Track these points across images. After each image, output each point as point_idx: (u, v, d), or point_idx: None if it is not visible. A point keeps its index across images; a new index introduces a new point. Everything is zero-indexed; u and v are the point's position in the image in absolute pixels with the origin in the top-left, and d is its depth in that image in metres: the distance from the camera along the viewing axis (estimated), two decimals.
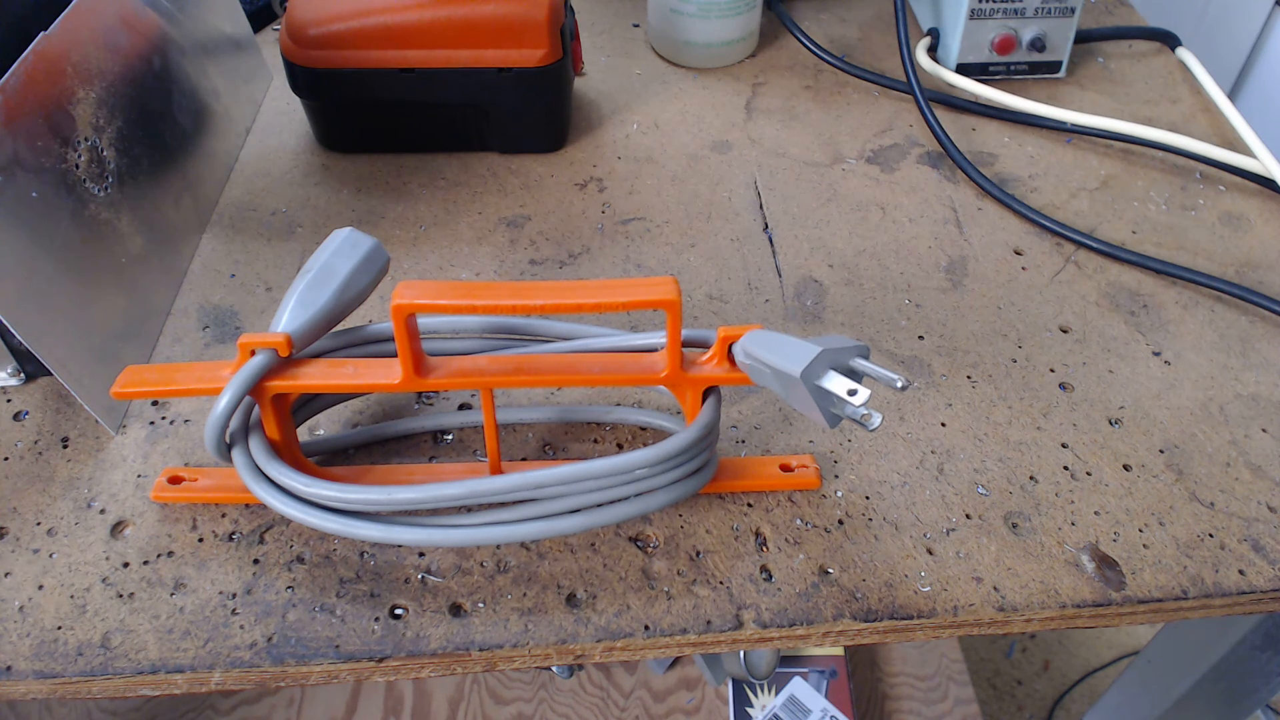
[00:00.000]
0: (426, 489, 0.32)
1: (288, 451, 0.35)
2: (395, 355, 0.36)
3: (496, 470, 0.37)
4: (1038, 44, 0.62)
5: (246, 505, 0.38)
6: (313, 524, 0.33)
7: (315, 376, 0.33)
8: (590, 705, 0.91)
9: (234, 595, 0.35)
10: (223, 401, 0.32)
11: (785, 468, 0.39)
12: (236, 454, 0.34)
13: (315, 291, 0.34)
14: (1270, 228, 0.53)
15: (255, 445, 0.34)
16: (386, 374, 0.33)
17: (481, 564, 0.36)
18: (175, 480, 0.37)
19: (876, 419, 0.30)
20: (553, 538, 0.35)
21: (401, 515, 0.35)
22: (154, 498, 0.37)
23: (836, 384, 0.30)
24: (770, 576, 0.36)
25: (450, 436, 0.41)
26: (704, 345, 0.36)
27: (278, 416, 0.34)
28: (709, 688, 0.92)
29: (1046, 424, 0.42)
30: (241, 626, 0.34)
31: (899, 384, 0.29)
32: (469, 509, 0.36)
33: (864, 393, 0.30)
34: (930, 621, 0.35)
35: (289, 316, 0.33)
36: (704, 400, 0.35)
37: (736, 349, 0.33)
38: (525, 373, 0.34)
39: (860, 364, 0.31)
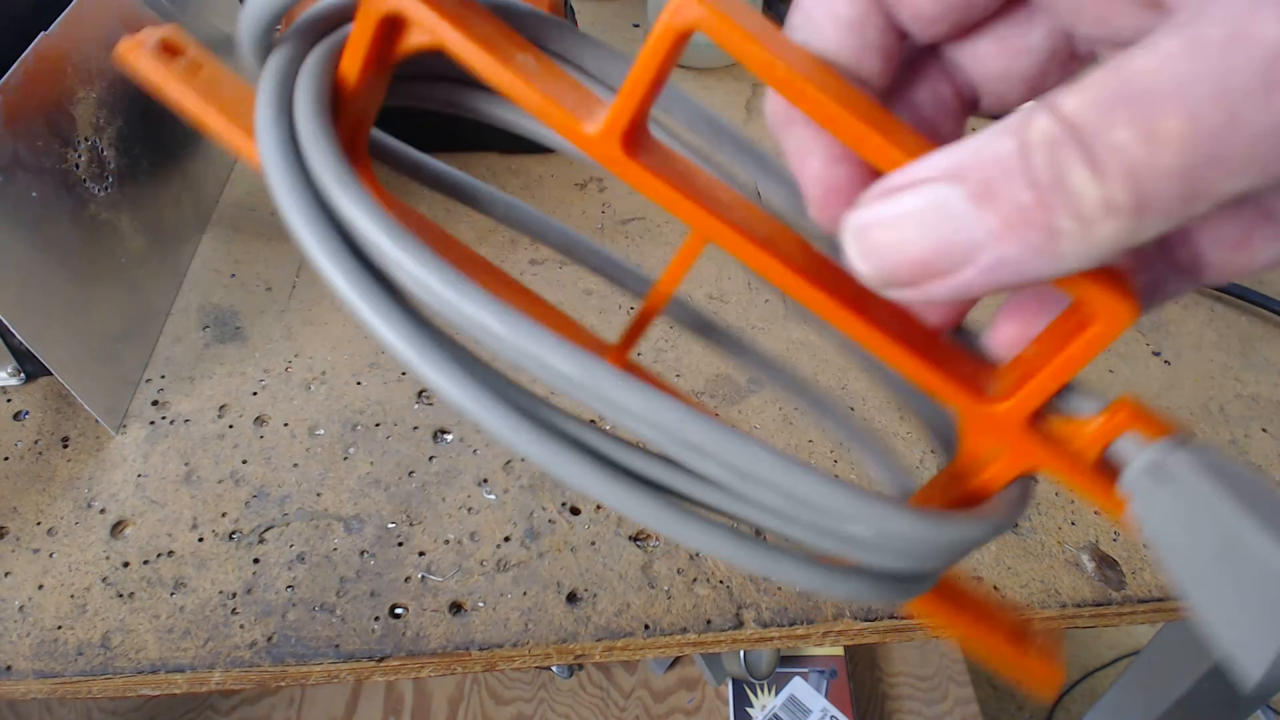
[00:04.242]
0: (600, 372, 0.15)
1: (355, 151, 0.19)
2: (603, 82, 0.19)
3: (625, 361, 0.22)
4: None
5: (247, 504, 0.38)
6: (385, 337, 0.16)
7: (475, 30, 0.16)
8: (590, 705, 0.91)
9: (234, 595, 0.35)
10: None
11: (1017, 634, 0.20)
12: (271, 68, 0.18)
13: None
14: None
15: (308, 99, 0.17)
16: (578, 105, 0.17)
17: (481, 563, 0.36)
18: (169, 51, 0.19)
19: None
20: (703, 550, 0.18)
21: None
22: (119, 52, 0.19)
23: None
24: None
25: (450, 436, 0.41)
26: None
27: (370, 69, 0.18)
28: (709, 688, 0.92)
29: None
30: (241, 626, 0.34)
31: None
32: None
33: None
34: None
35: None
36: (1011, 483, 0.18)
37: (1136, 448, 0.16)
38: (778, 252, 0.17)
39: None
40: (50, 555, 0.36)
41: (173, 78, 0.18)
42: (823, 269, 0.17)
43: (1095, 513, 0.38)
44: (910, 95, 0.17)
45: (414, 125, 0.56)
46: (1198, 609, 0.14)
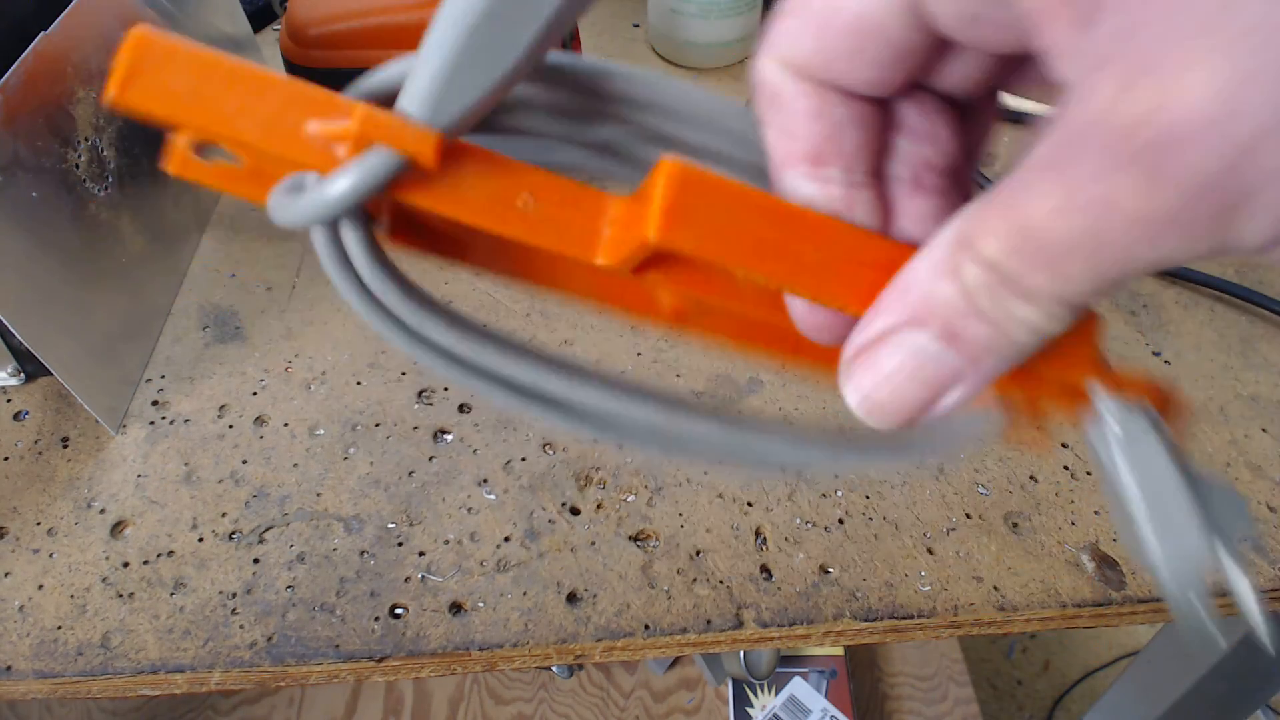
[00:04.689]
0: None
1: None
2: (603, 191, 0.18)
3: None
4: None
5: (247, 504, 0.38)
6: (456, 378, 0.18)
7: (467, 198, 0.17)
8: (590, 705, 0.91)
9: (234, 595, 0.35)
10: (335, 193, 0.17)
11: None
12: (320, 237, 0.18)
13: (498, 38, 0.16)
14: None
15: (351, 233, 0.18)
16: (585, 233, 0.17)
17: (481, 563, 0.36)
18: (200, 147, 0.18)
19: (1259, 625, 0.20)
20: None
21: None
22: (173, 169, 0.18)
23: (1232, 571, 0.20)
24: (770, 575, 0.36)
25: (450, 436, 0.41)
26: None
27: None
28: (709, 688, 0.92)
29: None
30: (241, 626, 0.34)
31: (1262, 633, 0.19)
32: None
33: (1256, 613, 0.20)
34: (930, 621, 0.35)
35: (437, 92, 0.16)
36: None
37: (1104, 403, 0.19)
38: (786, 345, 0.20)
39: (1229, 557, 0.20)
40: (50, 555, 0.36)
41: (229, 176, 0.19)
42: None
43: (1095, 513, 0.38)
44: (918, 134, 0.18)
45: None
46: (1126, 527, 0.18)
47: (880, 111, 0.17)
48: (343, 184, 0.17)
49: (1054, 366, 0.18)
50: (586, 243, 0.17)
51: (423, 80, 0.16)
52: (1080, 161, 0.13)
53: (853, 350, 0.16)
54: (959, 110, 0.18)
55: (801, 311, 0.18)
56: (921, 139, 0.18)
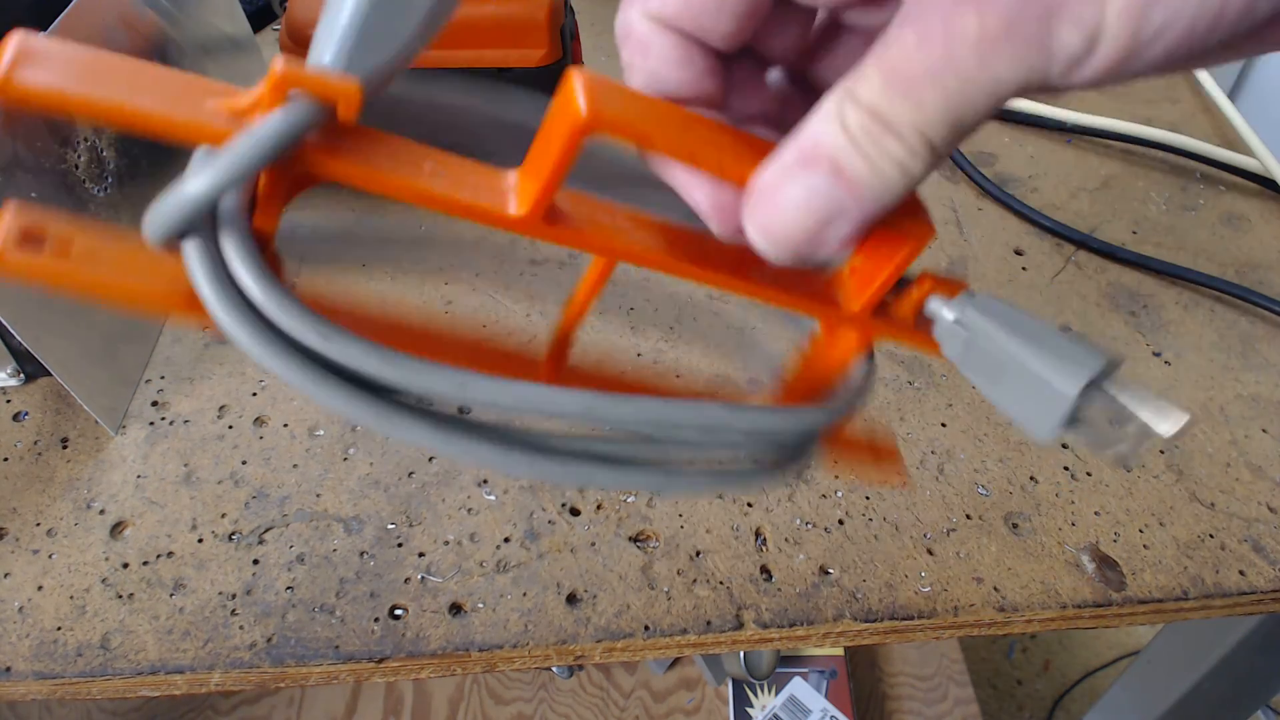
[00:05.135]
0: (519, 388, 0.19)
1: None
2: (508, 164, 0.20)
3: (552, 375, 0.24)
4: None
5: (247, 505, 0.38)
6: (324, 399, 0.18)
7: (379, 164, 0.18)
8: (590, 705, 0.91)
9: (234, 596, 0.35)
10: (226, 165, 0.17)
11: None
12: (193, 249, 0.18)
13: (394, 6, 0.18)
14: (1270, 228, 0.53)
15: (233, 242, 0.18)
16: (494, 193, 0.19)
17: (481, 564, 0.36)
18: (31, 240, 0.17)
19: (1178, 420, 0.19)
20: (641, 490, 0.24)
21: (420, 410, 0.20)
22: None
23: (1132, 400, 0.20)
24: (770, 576, 0.36)
25: None
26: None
27: (276, 205, 0.20)
28: (709, 688, 0.92)
29: None
30: (241, 627, 0.34)
31: (1166, 429, 0.19)
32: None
33: (1179, 415, 0.19)
34: (930, 622, 0.35)
35: (351, 46, 0.17)
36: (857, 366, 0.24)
37: (940, 306, 0.23)
38: (677, 254, 0.21)
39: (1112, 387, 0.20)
40: (50, 556, 0.36)
41: (47, 269, 0.17)
42: (706, 250, 0.21)
43: (1096, 513, 0.38)
44: (744, 91, 0.22)
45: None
46: (997, 405, 0.21)
47: (726, 67, 0.20)
48: (265, 130, 0.16)
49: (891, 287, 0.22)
50: (496, 200, 0.19)
51: (335, 34, 0.17)
52: (930, 8, 0.16)
53: (753, 190, 0.18)
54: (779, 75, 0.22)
55: (704, 202, 0.20)
56: (749, 96, 0.22)
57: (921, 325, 0.23)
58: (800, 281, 0.22)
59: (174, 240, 0.18)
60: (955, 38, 0.15)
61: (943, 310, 0.22)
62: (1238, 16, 0.15)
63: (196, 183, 0.17)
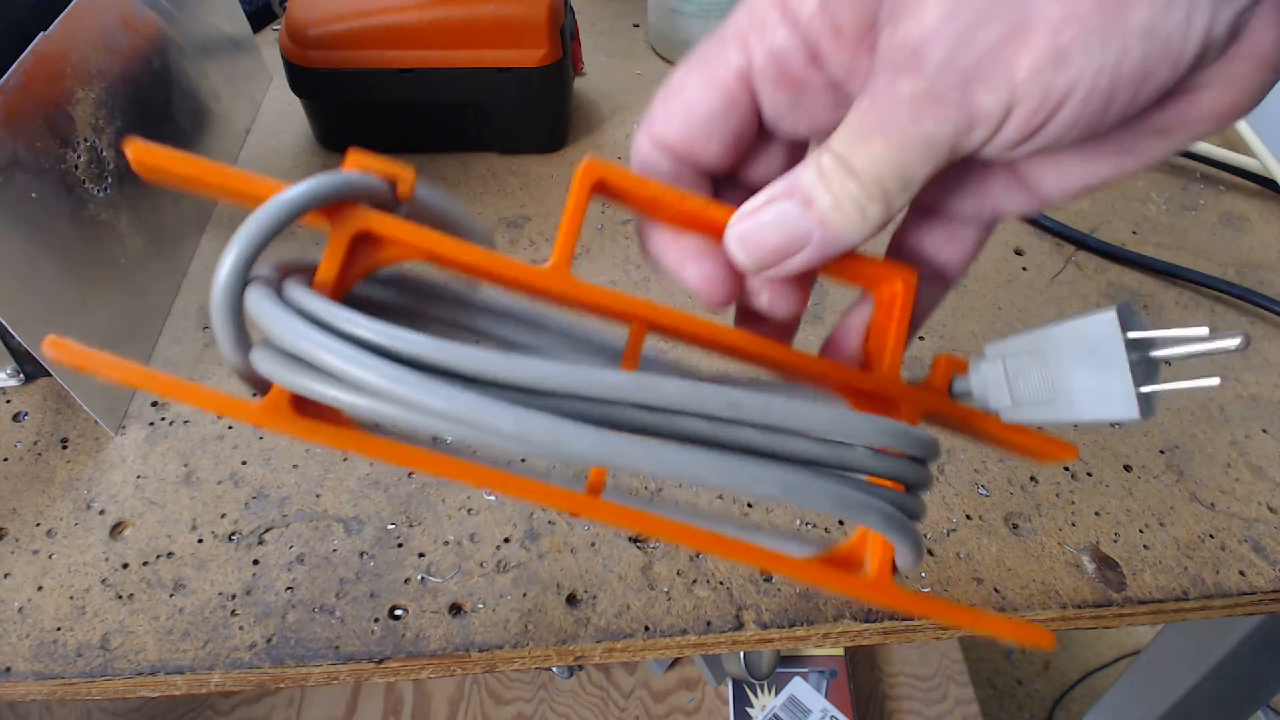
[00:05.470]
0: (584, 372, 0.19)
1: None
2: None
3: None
4: None
5: (246, 505, 0.38)
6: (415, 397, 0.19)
7: (432, 233, 0.21)
8: (590, 705, 0.91)
9: (233, 596, 0.35)
10: (285, 201, 0.19)
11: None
12: (261, 300, 0.20)
13: None
14: (1270, 228, 0.53)
15: (298, 290, 0.20)
16: (525, 264, 0.21)
17: (481, 564, 0.36)
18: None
19: (1237, 339, 0.19)
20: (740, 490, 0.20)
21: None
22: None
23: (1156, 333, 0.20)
24: (770, 577, 0.36)
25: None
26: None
27: (348, 269, 0.21)
28: (709, 688, 0.92)
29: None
30: (241, 627, 0.34)
31: (1229, 344, 0.19)
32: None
33: (1200, 330, 0.20)
34: (930, 622, 0.35)
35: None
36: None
37: (963, 377, 0.24)
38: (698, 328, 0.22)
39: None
40: (50, 556, 0.36)
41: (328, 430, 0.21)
42: (732, 338, 0.23)
43: (1096, 514, 0.38)
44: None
45: (417, 126, 0.56)
46: (1075, 417, 0.21)
47: (717, 190, 0.24)
48: (296, 189, 0.20)
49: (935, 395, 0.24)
50: (528, 266, 0.21)
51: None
52: (880, 80, 0.19)
53: (740, 211, 0.21)
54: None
55: (695, 278, 0.23)
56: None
57: (962, 400, 0.24)
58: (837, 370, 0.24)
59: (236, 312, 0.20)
60: (894, 98, 0.18)
61: (969, 378, 0.24)
62: (1134, 77, 0.17)
63: (261, 215, 0.20)
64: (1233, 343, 0.19)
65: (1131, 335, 0.20)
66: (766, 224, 0.21)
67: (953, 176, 0.23)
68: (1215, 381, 0.20)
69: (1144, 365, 0.20)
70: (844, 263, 0.23)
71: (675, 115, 0.22)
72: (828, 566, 0.22)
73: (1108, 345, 0.20)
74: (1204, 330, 0.20)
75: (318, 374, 0.19)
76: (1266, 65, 0.18)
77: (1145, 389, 0.20)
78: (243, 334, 0.20)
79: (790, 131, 0.23)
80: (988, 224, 0.24)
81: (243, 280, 0.19)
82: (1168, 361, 0.22)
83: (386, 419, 0.19)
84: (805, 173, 0.20)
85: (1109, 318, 0.20)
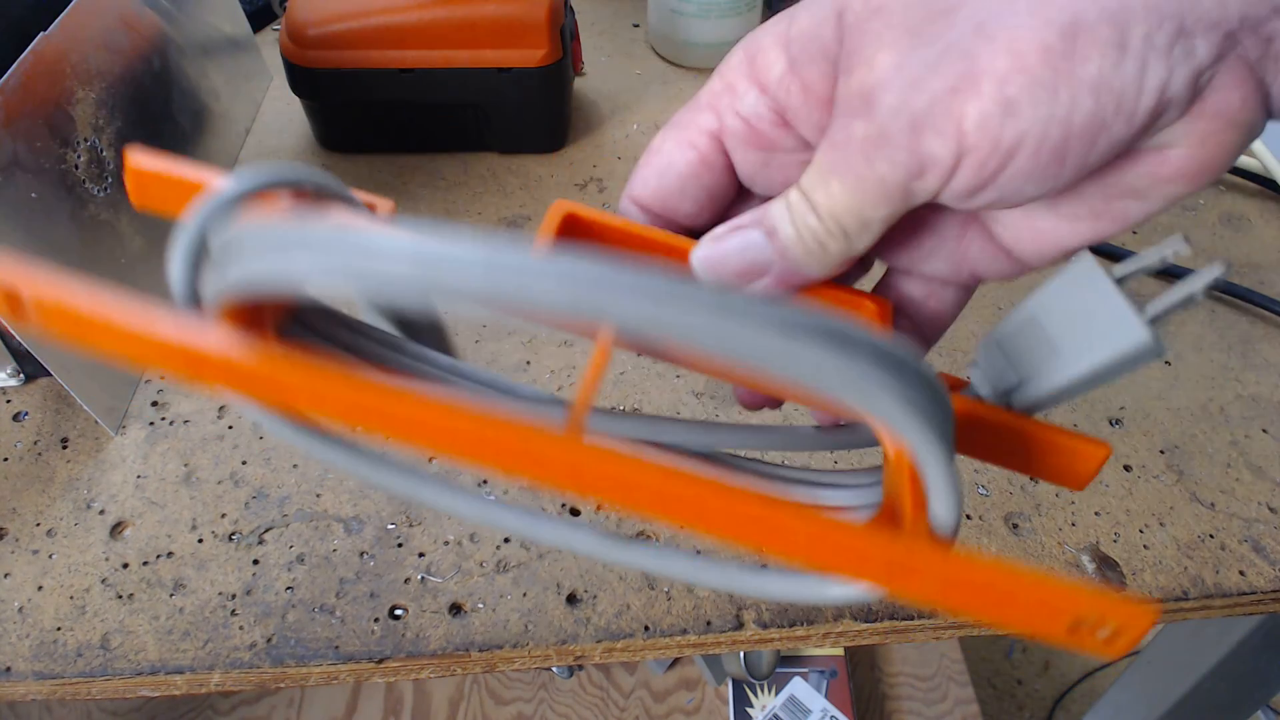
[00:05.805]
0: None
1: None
2: None
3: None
4: None
5: (247, 505, 0.38)
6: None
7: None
8: (590, 705, 0.91)
9: (233, 596, 0.35)
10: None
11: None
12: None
13: None
14: (1270, 228, 0.53)
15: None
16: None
17: (481, 564, 0.36)
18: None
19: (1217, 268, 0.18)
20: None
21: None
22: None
23: (1138, 260, 0.20)
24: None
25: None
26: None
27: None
28: (709, 688, 0.92)
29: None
30: (241, 627, 0.34)
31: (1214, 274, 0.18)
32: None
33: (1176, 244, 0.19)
34: (930, 622, 0.35)
35: None
36: None
37: (969, 390, 0.23)
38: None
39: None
40: (50, 556, 0.36)
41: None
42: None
43: (1095, 514, 0.38)
44: None
45: (417, 126, 0.56)
46: (1087, 372, 0.20)
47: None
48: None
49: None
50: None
51: None
52: (837, 123, 0.20)
53: (708, 236, 0.22)
54: None
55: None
56: None
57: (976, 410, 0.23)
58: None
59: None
60: (849, 141, 0.19)
61: (970, 378, 0.23)
62: (1087, 129, 0.17)
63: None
64: (1213, 270, 0.18)
65: (1117, 271, 0.20)
66: (731, 249, 0.21)
67: (928, 234, 0.23)
68: (1218, 269, 0.18)
69: (1136, 301, 0.20)
70: (816, 291, 0.23)
71: (651, 177, 0.23)
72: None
73: (1095, 284, 0.20)
74: (1179, 236, 0.19)
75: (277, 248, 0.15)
76: (1234, 125, 0.18)
77: (1150, 312, 0.19)
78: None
79: (765, 189, 0.23)
80: (967, 285, 0.24)
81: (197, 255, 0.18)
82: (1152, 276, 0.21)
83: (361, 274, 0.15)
84: (775, 206, 0.21)
85: (1086, 259, 0.20)
